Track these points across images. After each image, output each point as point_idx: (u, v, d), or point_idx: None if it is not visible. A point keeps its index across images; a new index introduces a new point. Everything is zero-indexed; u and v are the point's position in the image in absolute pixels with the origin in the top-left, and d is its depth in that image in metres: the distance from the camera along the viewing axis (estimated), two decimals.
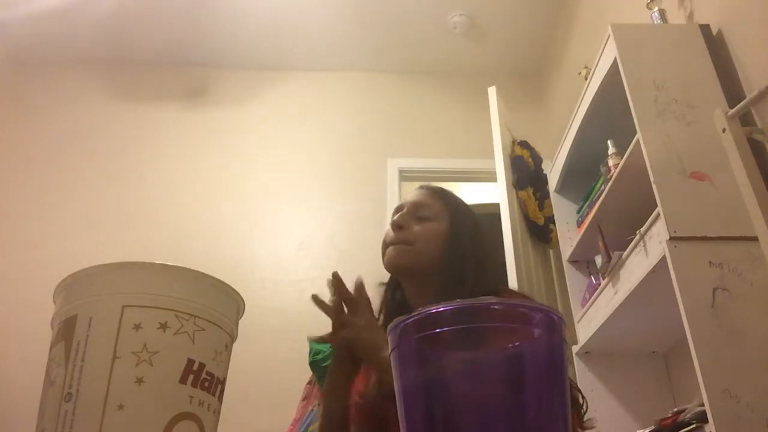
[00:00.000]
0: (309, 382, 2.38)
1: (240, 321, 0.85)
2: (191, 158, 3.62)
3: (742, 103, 1.31)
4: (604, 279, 2.10)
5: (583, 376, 2.28)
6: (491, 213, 2.62)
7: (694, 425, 1.53)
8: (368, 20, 3.64)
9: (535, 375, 0.49)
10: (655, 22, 2.10)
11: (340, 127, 3.76)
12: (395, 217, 1.21)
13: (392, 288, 1.24)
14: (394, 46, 3.81)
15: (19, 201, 3.43)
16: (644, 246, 1.79)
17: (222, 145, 3.67)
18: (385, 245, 1.18)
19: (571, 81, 3.15)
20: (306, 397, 2.35)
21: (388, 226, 1.24)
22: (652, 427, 1.78)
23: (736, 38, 1.86)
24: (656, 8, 2.12)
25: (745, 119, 1.55)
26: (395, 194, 3.53)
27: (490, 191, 3.28)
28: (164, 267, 0.73)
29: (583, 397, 1.03)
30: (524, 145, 3.00)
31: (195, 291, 0.73)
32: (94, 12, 3.42)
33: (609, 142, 2.22)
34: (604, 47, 2.06)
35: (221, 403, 0.75)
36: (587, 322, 2.24)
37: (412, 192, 1.29)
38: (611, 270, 2.02)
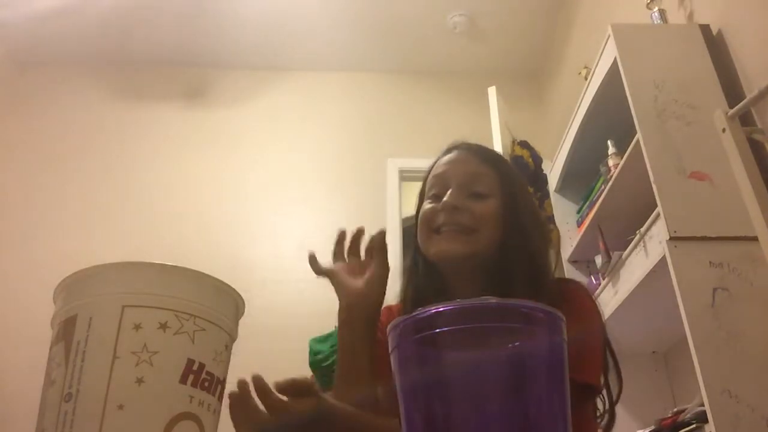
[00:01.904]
0: None
1: (240, 321, 0.85)
2: (191, 158, 3.61)
3: (742, 103, 1.31)
4: (604, 279, 2.10)
5: None
6: None
7: (694, 425, 1.53)
8: (368, 20, 3.64)
9: (536, 375, 0.49)
10: (655, 22, 2.10)
11: (340, 127, 3.76)
12: (447, 196, 0.94)
13: (423, 271, 1.00)
14: (394, 46, 3.81)
15: (19, 201, 3.43)
16: (644, 246, 1.79)
17: (222, 145, 3.67)
18: (430, 229, 0.95)
19: (571, 81, 3.15)
20: None
21: (426, 203, 0.98)
22: (652, 427, 1.78)
23: (736, 38, 1.86)
24: (656, 8, 2.12)
25: (745, 119, 1.56)
26: (395, 194, 3.53)
27: None
28: (164, 267, 0.73)
29: (609, 399, 0.92)
30: (524, 145, 3.00)
31: (195, 291, 0.73)
32: (94, 12, 3.42)
33: (609, 142, 2.22)
34: (604, 47, 2.06)
35: (221, 403, 0.75)
36: None
37: (453, 157, 1.02)
38: (611, 270, 2.02)
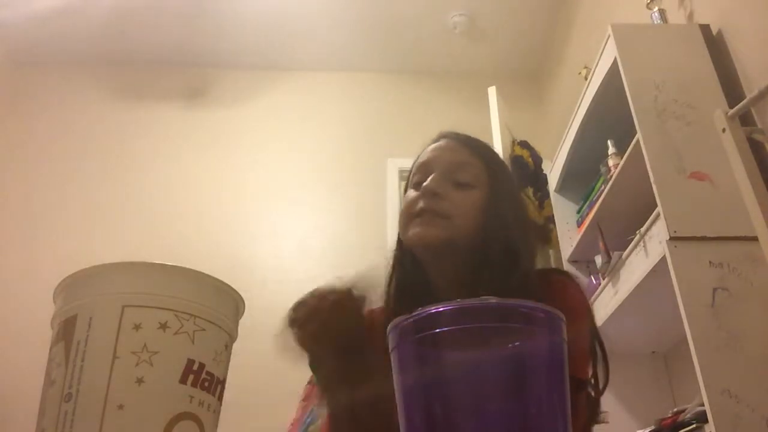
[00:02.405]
0: (309, 382, 2.37)
1: (240, 321, 0.85)
2: (191, 158, 3.62)
3: (742, 103, 1.30)
4: (604, 279, 2.10)
5: None
6: None
7: (694, 425, 1.53)
8: (368, 20, 3.64)
9: (536, 375, 0.49)
10: (655, 22, 2.10)
11: (340, 127, 3.76)
12: (428, 182, 0.93)
13: (407, 263, 0.99)
14: (395, 46, 3.81)
15: (19, 201, 3.43)
16: (644, 246, 1.79)
17: (222, 145, 3.68)
18: (410, 215, 0.93)
19: (571, 81, 3.15)
20: (306, 397, 2.35)
21: (410, 191, 0.98)
22: (652, 427, 1.78)
23: (736, 38, 1.86)
24: (656, 8, 2.12)
25: (745, 119, 1.56)
26: (395, 194, 3.53)
27: None
28: (164, 267, 0.73)
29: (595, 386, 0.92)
30: (524, 145, 3.00)
31: (195, 291, 0.73)
32: (94, 12, 3.41)
33: (609, 142, 2.22)
34: (604, 47, 2.06)
35: (221, 403, 0.75)
36: None
37: (440, 145, 1.01)
38: (611, 270, 2.02)
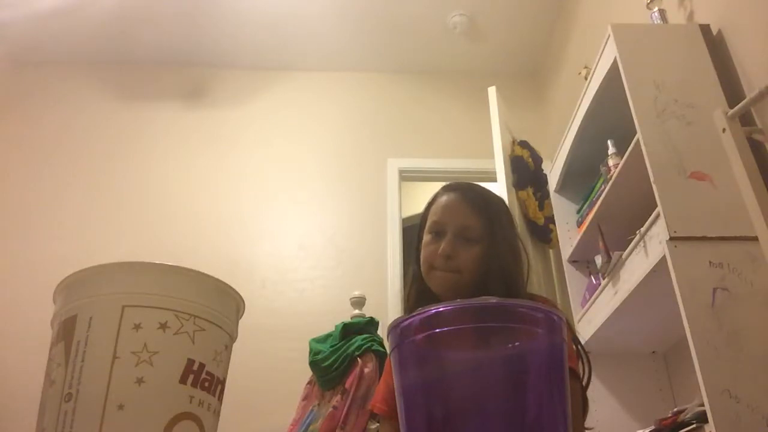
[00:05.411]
0: (309, 382, 2.38)
1: (240, 321, 0.85)
2: (191, 158, 3.62)
3: (742, 103, 1.30)
4: (604, 279, 2.10)
5: None
6: None
7: (694, 425, 1.53)
8: (368, 20, 3.64)
9: (536, 375, 0.49)
10: (655, 22, 2.10)
11: (340, 127, 3.76)
12: (443, 245, 1.17)
13: (422, 282, 1.23)
14: (395, 46, 3.81)
15: (19, 201, 3.43)
16: (644, 246, 1.78)
17: (222, 145, 3.68)
18: (430, 266, 1.19)
19: (571, 81, 3.15)
20: (306, 397, 2.35)
21: (427, 236, 1.21)
22: (652, 427, 1.78)
23: (736, 38, 1.86)
24: (656, 8, 2.12)
25: (745, 119, 1.55)
26: (395, 194, 3.53)
27: None
28: (164, 267, 0.73)
29: (585, 362, 1.11)
30: (524, 145, 3.00)
31: (195, 291, 0.73)
32: (94, 12, 3.42)
33: (609, 142, 2.22)
34: (604, 47, 2.06)
35: (221, 403, 0.75)
36: (587, 322, 2.24)
37: (451, 205, 1.23)
38: (611, 270, 2.02)
